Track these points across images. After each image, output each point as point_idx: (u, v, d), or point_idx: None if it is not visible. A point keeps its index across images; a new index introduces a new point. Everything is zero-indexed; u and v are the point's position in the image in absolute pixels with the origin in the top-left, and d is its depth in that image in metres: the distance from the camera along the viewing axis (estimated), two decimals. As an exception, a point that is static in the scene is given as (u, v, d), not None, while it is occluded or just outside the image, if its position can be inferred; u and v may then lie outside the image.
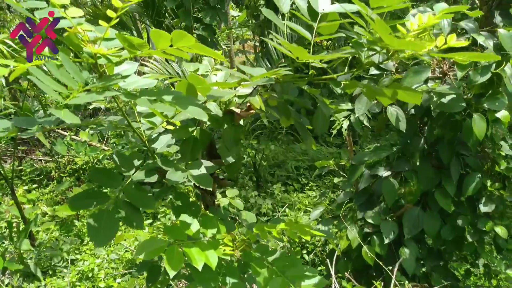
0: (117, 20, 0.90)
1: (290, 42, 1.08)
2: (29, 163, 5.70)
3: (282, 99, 1.12)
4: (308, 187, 4.93)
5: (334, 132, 2.74)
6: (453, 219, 2.49)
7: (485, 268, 2.74)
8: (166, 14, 6.03)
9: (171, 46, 0.85)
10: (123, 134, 5.73)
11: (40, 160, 5.87)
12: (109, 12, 0.88)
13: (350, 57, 1.03)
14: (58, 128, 5.30)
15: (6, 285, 3.65)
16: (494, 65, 2.15)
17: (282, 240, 3.85)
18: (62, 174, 5.47)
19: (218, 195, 1.38)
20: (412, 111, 2.41)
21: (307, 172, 5.21)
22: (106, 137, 5.99)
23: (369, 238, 2.60)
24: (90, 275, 3.82)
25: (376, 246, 2.53)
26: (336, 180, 4.08)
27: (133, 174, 1.04)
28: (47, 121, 0.96)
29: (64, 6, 0.90)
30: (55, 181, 5.42)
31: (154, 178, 1.04)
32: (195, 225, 1.06)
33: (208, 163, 1.09)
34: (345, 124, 2.49)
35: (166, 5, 4.93)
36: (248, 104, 1.15)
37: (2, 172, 3.91)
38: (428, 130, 2.42)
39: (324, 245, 3.73)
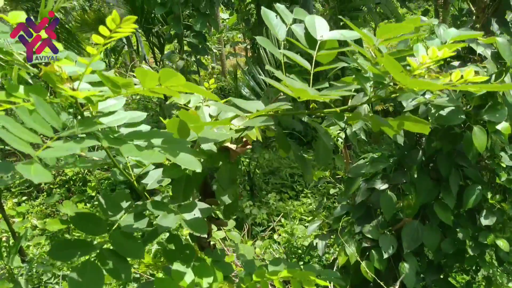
0: (99, 56, 0.82)
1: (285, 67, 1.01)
2: (18, 175, 5.57)
3: (280, 131, 1.05)
4: (303, 195, 4.87)
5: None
6: (454, 232, 2.43)
7: (486, 281, 2.69)
8: (156, 20, 5.93)
9: (159, 85, 0.77)
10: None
11: (29, 171, 5.75)
12: (89, 49, 0.80)
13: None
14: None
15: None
16: (494, 76, 2.09)
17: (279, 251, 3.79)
18: (52, 186, 5.36)
19: (213, 227, 1.30)
20: (410, 122, 2.36)
21: (301, 179, 5.15)
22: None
23: (367, 253, 2.54)
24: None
25: (375, 261, 2.47)
26: (332, 191, 4.02)
27: (120, 218, 0.96)
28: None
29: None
30: (45, 193, 5.31)
31: (144, 223, 0.96)
32: (189, 276, 0.97)
33: (203, 205, 1.01)
34: (341, 137, 2.43)
35: (155, 12, 4.82)
36: (244, 139, 1.08)
37: (-11, 186, 3.80)
38: (426, 142, 2.36)
39: (320, 256, 3.67)
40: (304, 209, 4.52)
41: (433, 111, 2.14)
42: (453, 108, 2.09)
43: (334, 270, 2.54)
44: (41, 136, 0.72)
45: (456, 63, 2.30)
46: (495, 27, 2.41)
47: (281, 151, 1.07)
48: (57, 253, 0.88)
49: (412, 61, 0.77)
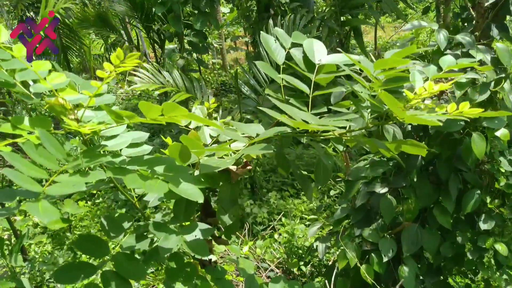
0: (107, 80, 0.83)
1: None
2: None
3: (280, 151, 1.06)
4: (303, 193, 4.89)
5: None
6: (453, 236, 2.45)
7: (485, 283, 2.72)
8: (156, 18, 5.92)
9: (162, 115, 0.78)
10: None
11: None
12: (100, 73, 0.81)
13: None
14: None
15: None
16: (493, 83, 2.10)
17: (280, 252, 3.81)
18: (53, 183, 5.37)
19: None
20: (409, 127, 2.37)
21: (302, 177, 5.16)
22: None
23: (367, 256, 2.56)
24: (84, 291, 3.75)
25: (375, 264, 2.49)
26: (332, 192, 4.04)
27: (122, 239, 0.98)
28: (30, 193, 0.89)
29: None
30: (46, 192, 5.33)
31: (145, 244, 0.98)
32: (191, 297, 1.00)
33: (204, 226, 1.03)
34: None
35: (155, 11, 4.81)
36: (245, 160, 1.09)
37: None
38: (426, 147, 2.37)
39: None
40: (305, 208, 4.54)
41: (432, 117, 2.15)
42: (452, 114, 2.10)
43: (335, 272, 2.56)
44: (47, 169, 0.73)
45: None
46: (495, 32, 2.41)
47: (281, 170, 1.09)
48: (61, 277, 0.90)
49: (410, 94, 0.78)
